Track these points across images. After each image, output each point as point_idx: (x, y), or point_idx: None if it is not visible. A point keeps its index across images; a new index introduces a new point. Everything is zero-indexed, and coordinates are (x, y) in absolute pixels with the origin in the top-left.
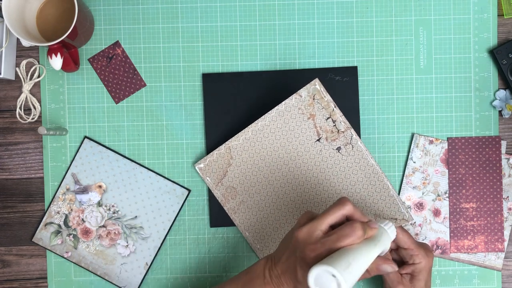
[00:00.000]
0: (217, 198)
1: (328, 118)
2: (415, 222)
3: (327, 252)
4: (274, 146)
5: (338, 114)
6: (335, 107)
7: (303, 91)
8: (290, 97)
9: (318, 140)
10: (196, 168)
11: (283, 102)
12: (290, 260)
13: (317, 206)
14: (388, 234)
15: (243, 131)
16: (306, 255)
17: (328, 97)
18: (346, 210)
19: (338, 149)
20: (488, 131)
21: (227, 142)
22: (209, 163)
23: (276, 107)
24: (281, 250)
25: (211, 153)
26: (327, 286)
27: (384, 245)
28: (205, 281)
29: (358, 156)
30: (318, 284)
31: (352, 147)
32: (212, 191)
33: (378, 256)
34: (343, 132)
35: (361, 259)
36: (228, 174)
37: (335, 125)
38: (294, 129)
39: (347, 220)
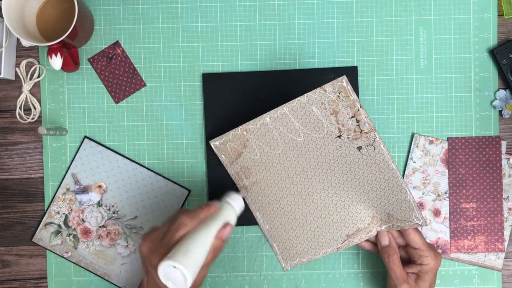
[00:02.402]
0: (231, 175)
1: (352, 117)
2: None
3: (168, 250)
4: (292, 134)
5: (363, 115)
6: (361, 107)
7: (328, 87)
8: (314, 91)
9: (339, 136)
10: (212, 144)
11: (305, 95)
12: (150, 277)
13: (331, 197)
14: (233, 207)
15: (260, 116)
16: (154, 262)
17: (354, 96)
18: (180, 221)
19: (359, 148)
20: (488, 131)
21: (243, 125)
22: (224, 142)
23: (298, 98)
24: (143, 275)
25: (227, 133)
26: (176, 278)
27: (225, 218)
28: (205, 281)
29: (379, 159)
30: (170, 279)
31: (374, 149)
32: (226, 168)
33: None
34: (366, 133)
35: (199, 242)
36: (243, 155)
37: (358, 125)
38: (315, 122)
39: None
